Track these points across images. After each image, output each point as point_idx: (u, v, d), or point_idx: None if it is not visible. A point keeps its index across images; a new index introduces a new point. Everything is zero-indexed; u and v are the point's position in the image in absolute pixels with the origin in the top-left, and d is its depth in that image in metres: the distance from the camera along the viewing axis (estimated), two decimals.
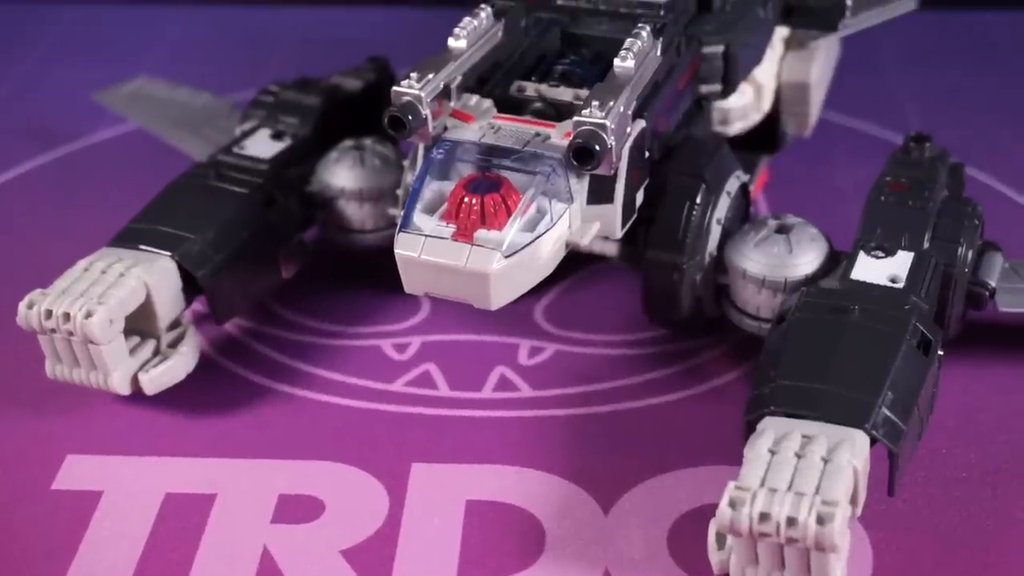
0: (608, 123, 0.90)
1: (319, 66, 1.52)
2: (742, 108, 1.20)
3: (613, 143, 0.91)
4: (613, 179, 0.96)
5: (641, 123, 0.98)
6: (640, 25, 0.99)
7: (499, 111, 1.00)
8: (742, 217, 1.09)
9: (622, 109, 0.92)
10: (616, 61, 0.96)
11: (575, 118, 0.92)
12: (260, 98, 1.19)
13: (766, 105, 1.23)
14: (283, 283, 1.10)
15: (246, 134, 1.16)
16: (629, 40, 0.97)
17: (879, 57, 1.57)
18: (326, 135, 1.16)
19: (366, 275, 1.16)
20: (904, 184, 1.03)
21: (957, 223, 1.00)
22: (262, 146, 1.13)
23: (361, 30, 1.72)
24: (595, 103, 0.91)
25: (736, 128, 1.21)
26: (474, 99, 1.01)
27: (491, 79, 1.04)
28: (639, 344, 1.10)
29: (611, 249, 1.09)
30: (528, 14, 1.10)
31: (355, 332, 1.12)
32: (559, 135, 0.95)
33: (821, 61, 1.27)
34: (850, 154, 1.37)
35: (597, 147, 0.90)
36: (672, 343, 1.09)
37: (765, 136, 1.27)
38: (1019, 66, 1.56)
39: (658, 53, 1.00)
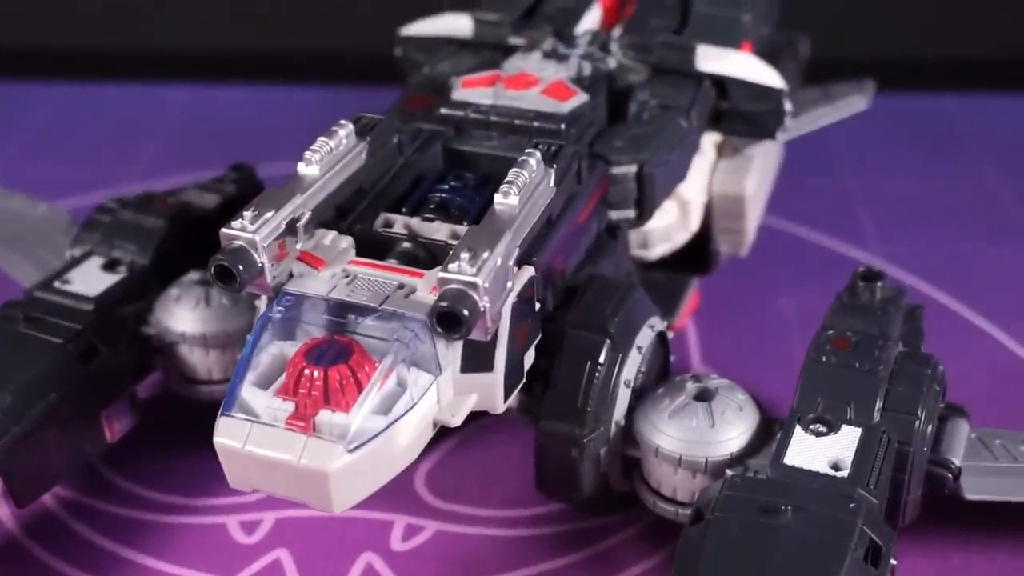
0: (479, 281, 0.73)
1: (205, 156, 1.36)
2: (665, 229, 1.03)
3: (487, 305, 0.73)
4: (492, 344, 0.78)
5: (529, 271, 0.80)
6: (528, 151, 0.82)
7: (359, 253, 0.82)
8: (660, 370, 0.91)
9: (499, 261, 0.75)
10: (497, 198, 0.79)
11: (439, 274, 0.74)
12: (95, 217, 1.01)
13: (694, 224, 1.05)
14: (109, 447, 0.91)
15: (76, 262, 0.97)
16: (513, 171, 0.80)
17: (829, 153, 1.40)
18: (171, 265, 0.97)
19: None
20: (850, 340, 0.85)
21: (914, 390, 0.83)
22: (90, 279, 0.95)
23: (256, 112, 1.54)
24: (464, 255, 0.74)
25: (659, 251, 1.04)
26: (330, 236, 0.83)
27: (354, 210, 0.86)
28: (536, 522, 0.92)
29: (511, 400, 0.90)
30: (405, 124, 0.93)
31: (197, 505, 0.93)
32: (427, 288, 0.78)
33: (759, 170, 1.10)
34: (795, 270, 1.20)
35: (466, 312, 0.72)
36: (575, 521, 0.92)
37: (695, 254, 1.09)
38: (985, 160, 1.39)
39: (551, 184, 0.83)
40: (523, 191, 0.79)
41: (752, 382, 1.00)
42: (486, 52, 1.05)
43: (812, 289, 1.14)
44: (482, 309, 0.73)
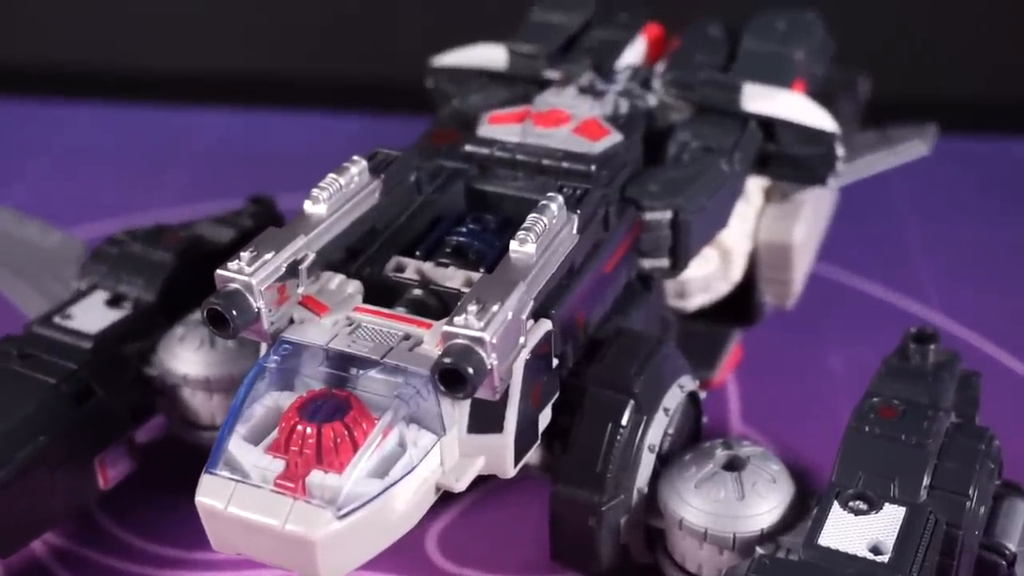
0: (487, 337, 0.67)
1: (239, 183, 1.31)
2: (704, 279, 0.96)
3: (495, 362, 0.67)
4: (503, 403, 0.72)
5: (545, 325, 0.74)
6: (549, 195, 0.76)
7: (367, 299, 0.77)
8: (690, 433, 0.85)
9: (510, 315, 0.69)
10: (512, 245, 0.73)
11: (444, 327, 0.68)
12: (103, 249, 0.96)
13: (736, 274, 0.99)
14: (104, 494, 0.86)
15: (79, 296, 0.93)
16: (531, 216, 0.74)
17: (888, 197, 1.32)
18: (180, 302, 0.93)
19: None
20: (896, 409, 0.78)
21: (966, 467, 0.76)
22: (92, 315, 0.91)
23: (294, 139, 1.49)
24: (471, 307, 0.68)
25: (697, 302, 0.97)
26: (336, 280, 0.78)
27: (365, 253, 0.80)
28: None
29: (532, 457, 0.84)
30: (427, 161, 0.87)
31: (195, 559, 0.88)
32: (434, 340, 0.72)
33: (809, 217, 1.03)
34: (846, 324, 1.12)
35: (470, 369, 0.67)
36: None
37: (738, 305, 1.02)
38: None
39: (574, 231, 0.77)
40: (541, 238, 0.74)
41: (794, 445, 0.95)
42: (520, 86, 0.99)
43: (864, 344, 1.07)
44: (489, 367, 0.68)
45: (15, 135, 1.49)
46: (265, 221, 1.01)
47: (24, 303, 1.00)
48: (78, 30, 1.64)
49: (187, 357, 0.88)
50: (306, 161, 1.41)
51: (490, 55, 1.02)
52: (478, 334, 0.67)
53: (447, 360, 0.67)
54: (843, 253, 1.20)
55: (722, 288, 0.98)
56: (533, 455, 0.83)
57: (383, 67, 1.59)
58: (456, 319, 0.68)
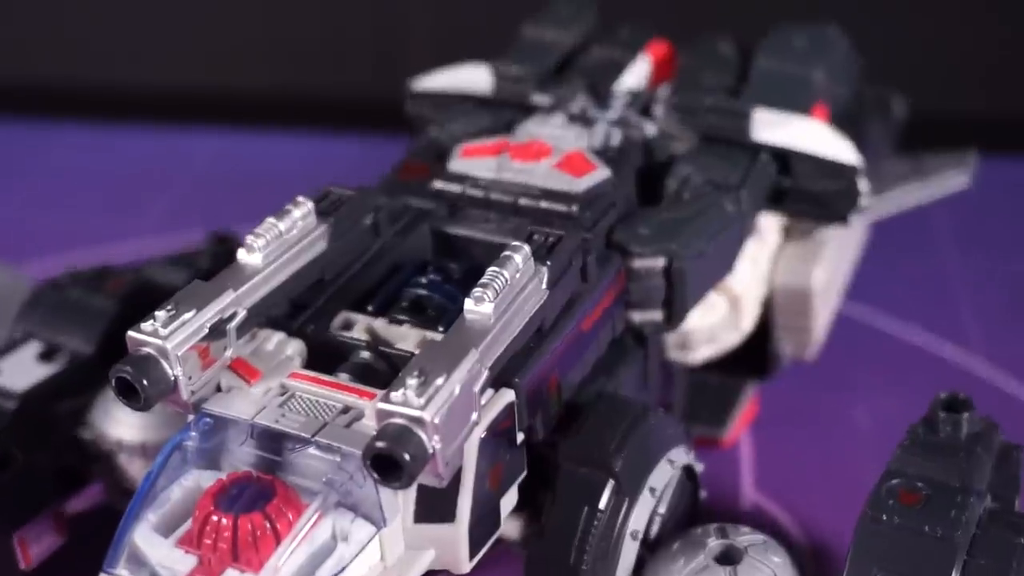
0: (427, 417, 0.57)
1: (232, 210, 1.22)
2: (709, 329, 0.86)
3: (437, 445, 0.57)
4: (453, 488, 0.62)
5: (507, 396, 0.64)
6: (514, 245, 0.66)
7: (309, 362, 0.67)
8: (685, 512, 0.74)
9: (458, 388, 0.59)
10: (467, 304, 0.63)
11: (378, 404, 0.58)
12: (42, 293, 0.87)
13: (747, 323, 0.88)
14: (28, 573, 0.77)
15: (12, 346, 0.84)
16: (491, 271, 0.64)
17: (926, 229, 1.21)
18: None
19: None
20: (920, 494, 0.67)
21: (1001, 563, 0.65)
22: (21, 369, 0.82)
23: (293, 163, 1.40)
24: (411, 380, 0.58)
25: (702, 355, 0.87)
26: (275, 340, 0.68)
27: (310, 307, 0.71)
28: None
29: (511, 529, 0.74)
30: (393, 199, 0.78)
31: None
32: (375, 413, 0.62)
33: (831, 258, 0.92)
34: (877, 374, 1.01)
35: (407, 455, 0.57)
36: None
37: (753, 355, 0.92)
38: None
39: (543, 285, 0.66)
40: (501, 296, 0.64)
41: (815, 517, 0.87)
42: (508, 112, 0.89)
43: (895, 397, 0.98)
44: (430, 451, 0.58)
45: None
46: (223, 264, 0.91)
47: None
48: (72, 49, 1.56)
49: (122, 419, 0.80)
50: (306, 186, 1.32)
51: (475, 78, 0.93)
52: (417, 413, 0.57)
53: (380, 444, 0.57)
54: (875, 292, 1.09)
55: (731, 339, 0.88)
56: (514, 529, 0.74)
57: (389, 87, 1.49)
58: (392, 394, 0.58)
